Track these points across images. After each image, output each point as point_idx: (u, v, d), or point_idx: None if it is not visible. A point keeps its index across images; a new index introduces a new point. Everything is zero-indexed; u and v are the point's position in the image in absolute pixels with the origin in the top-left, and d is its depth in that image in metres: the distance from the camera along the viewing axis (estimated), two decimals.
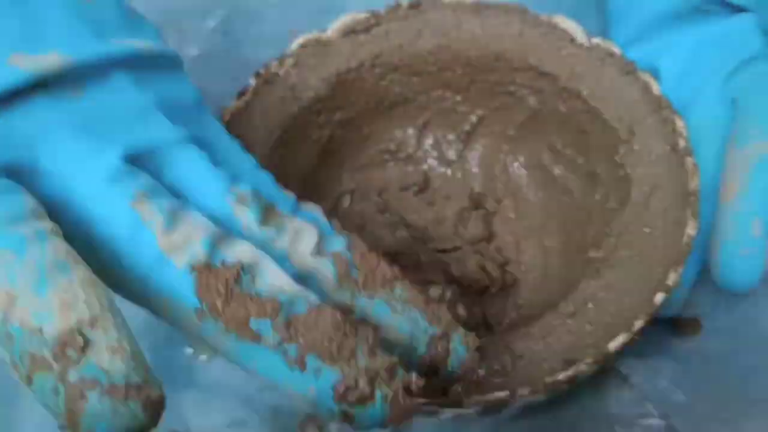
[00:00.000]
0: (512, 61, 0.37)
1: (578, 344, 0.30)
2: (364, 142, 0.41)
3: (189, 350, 0.40)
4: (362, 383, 0.21)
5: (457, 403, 0.29)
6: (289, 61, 0.37)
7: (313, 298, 0.23)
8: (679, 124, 0.34)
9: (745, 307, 0.39)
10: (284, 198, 0.27)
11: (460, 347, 0.24)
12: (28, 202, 0.21)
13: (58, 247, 0.20)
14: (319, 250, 0.25)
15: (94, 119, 0.24)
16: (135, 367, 0.19)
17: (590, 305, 0.31)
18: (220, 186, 0.25)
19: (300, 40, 0.38)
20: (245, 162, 0.28)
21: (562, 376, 0.29)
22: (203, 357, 0.40)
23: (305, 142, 0.38)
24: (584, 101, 0.35)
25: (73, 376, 0.18)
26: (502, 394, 0.29)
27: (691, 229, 0.31)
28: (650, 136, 0.33)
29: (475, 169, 0.41)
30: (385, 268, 0.24)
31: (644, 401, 0.38)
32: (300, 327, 0.21)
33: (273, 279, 0.23)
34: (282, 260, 0.24)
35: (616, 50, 0.36)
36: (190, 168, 0.25)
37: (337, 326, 0.21)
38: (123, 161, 0.23)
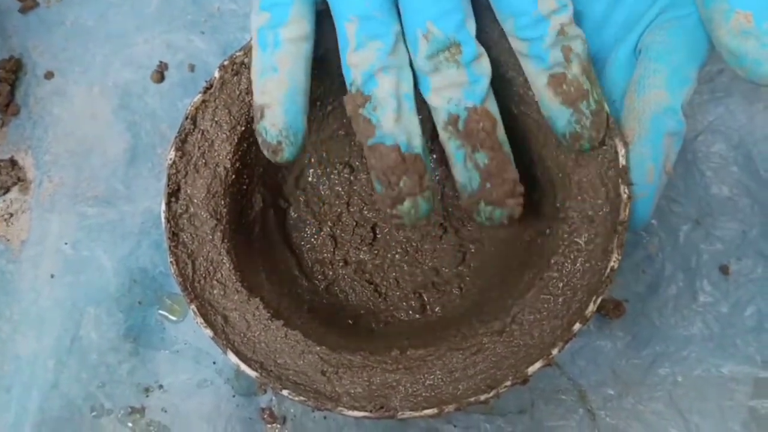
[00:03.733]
0: None
1: (501, 365, 0.34)
2: (327, 118, 0.43)
3: (161, 312, 0.44)
4: None
5: (392, 417, 0.33)
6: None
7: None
8: (621, 151, 0.35)
9: (665, 297, 0.43)
10: (467, 51, 0.33)
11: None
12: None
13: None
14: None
15: None
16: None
17: (515, 326, 0.35)
18: (426, 17, 0.32)
19: None
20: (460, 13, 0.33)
21: (483, 396, 0.33)
22: (173, 318, 0.44)
23: None
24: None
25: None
26: (430, 411, 0.33)
27: (614, 262, 0.34)
28: (590, 164, 0.35)
29: None
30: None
31: (563, 377, 0.43)
32: None
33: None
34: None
35: None
36: None
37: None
38: None
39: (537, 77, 0.33)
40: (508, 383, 0.34)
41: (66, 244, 0.45)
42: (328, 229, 0.43)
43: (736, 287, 0.44)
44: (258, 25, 0.33)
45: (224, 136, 0.37)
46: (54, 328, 0.44)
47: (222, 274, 0.36)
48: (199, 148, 0.37)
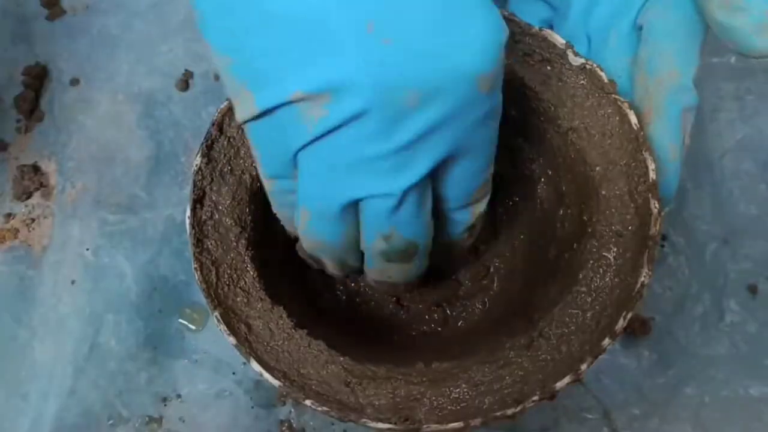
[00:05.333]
0: None
1: (529, 379, 0.33)
2: None
3: (181, 321, 0.44)
4: None
5: (417, 429, 0.33)
6: None
7: None
8: (651, 165, 0.35)
9: (691, 316, 0.43)
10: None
11: None
12: None
13: None
14: None
15: None
16: None
17: (542, 341, 0.34)
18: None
19: None
20: None
21: (510, 411, 0.33)
22: (193, 327, 0.44)
23: None
24: (570, 133, 0.36)
25: None
26: (456, 424, 0.33)
27: (645, 277, 0.34)
28: (619, 179, 0.35)
29: None
30: None
31: (588, 395, 0.42)
32: None
33: None
34: None
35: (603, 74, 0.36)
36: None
37: None
38: None
39: (439, 240, 0.33)
40: (536, 398, 0.33)
41: (87, 250, 0.45)
42: None
43: (764, 306, 0.43)
44: (267, 189, 0.32)
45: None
46: (73, 334, 0.43)
47: (246, 282, 0.36)
48: (225, 155, 0.37)
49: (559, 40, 0.35)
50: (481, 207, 0.32)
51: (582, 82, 0.35)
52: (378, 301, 0.42)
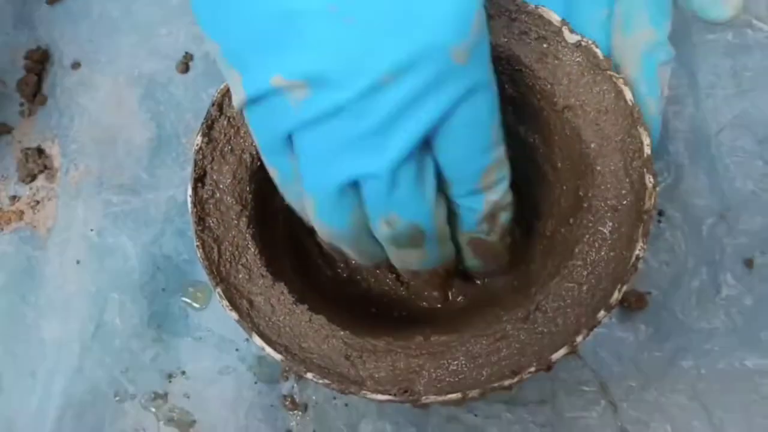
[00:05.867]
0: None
1: (525, 351, 0.34)
2: None
3: (184, 300, 0.44)
4: None
5: (416, 401, 0.33)
6: None
7: None
8: (646, 140, 0.35)
9: (688, 290, 0.43)
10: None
11: None
12: None
13: None
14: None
15: None
16: None
17: (539, 314, 0.35)
18: None
19: None
20: None
21: (507, 382, 0.33)
22: (197, 305, 0.44)
23: None
24: (565, 111, 0.36)
25: None
26: (454, 396, 0.33)
27: (639, 251, 0.34)
28: (614, 154, 0.35)
29: None
30: None
31: (585, 369, 0.43)
32: None
33: None
34: None
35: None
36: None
37: None
38: None
39: (459, 233, 0.34)
40: (532, 369, 0.33)
41: (92, 230, 0.46)
42: None
43: (760, 280, 0.43)
44: (272, 176, 0.33)
45: None
46: (79, 313, 0.44)
47: (247, 259, 0.36)
48: (225, 134, 0.37)
49: (555, 17, 0.35)
50: (495, 195, 0.32)
51: (578, 59, 0.36)
52: (379, 278, 0.43)
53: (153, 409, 0.43)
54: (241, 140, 0.37)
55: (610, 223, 0.35)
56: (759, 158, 0.46)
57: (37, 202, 0.47)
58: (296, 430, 0.42)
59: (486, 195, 0.32)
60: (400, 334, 0.36)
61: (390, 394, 0.34)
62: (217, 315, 0.44)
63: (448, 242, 0.34)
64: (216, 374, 0.43)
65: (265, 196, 0.40)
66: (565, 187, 0.39)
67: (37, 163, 0.48)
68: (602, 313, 0.34)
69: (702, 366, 0.42)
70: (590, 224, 0.35)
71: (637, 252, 0.34)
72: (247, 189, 0.37)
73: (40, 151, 0.48)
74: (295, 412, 0.42)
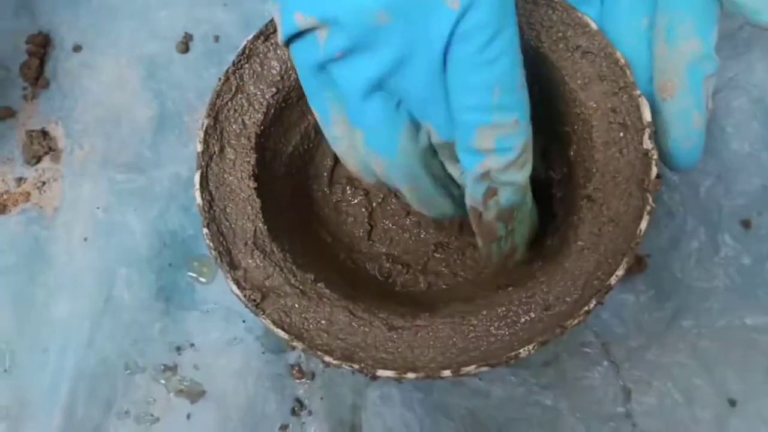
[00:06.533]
0: None
1: (548, 325, 0.34)
2: None
3: (190, 274, 0.45)
4: None
5: (432, 377, 0.34)
6: None
7: None
8: (644, 104, 0.35)
9: (687, 251, 0.44)
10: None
11: None
12: None
13: None
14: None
15: None
16: None
17: (543, 286, 0.35)
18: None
19: None
20: None
21: (523, 352, 0.33)
22: (203, 280, 0.45)
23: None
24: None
25: None
26: (470, 368, 0.33)
27: (643, 224, 0.34)
28: (614, 123, 0.36)
29: None
30: None
31: (588, 331, 0.43)
32: None
33: None
34: None
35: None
36: None
37: None
38: None
39: (467, 197, 0.35)
40: (550, 337, 0.33)
41: (98, 208, 0.46)
42: (367, 203, 0.44)
43: (757, 240, 0.44)
44: (315, 118, 0.35)
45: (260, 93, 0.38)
46: (88, 289, 0.45)
47: (254, 235, 0.37)
48: (235, 111, 0.38)
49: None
50: (492, 163, 0.32)
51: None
52: (380, 264, 0.43)
53: (163, 381, 0.43)
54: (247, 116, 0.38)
55: (615, 195, 0.35)
56: (755, 119, 0.46)
57: (43, 183, 0.48)
58: (304, 397, 0.43)
59: (485, 161, 0.32)
60: (406, 310, 0.36)
61: (395, 370, 0.34)
62: (224, 288, 0.44)
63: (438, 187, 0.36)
64: (224, 345, 0.44)
65: (272, 169, 0.40)
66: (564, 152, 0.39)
67: (41, 145, 0.48)
68: (614, 278, 0.34)
69: (702, 325, 0.43)
70: (595, 197, 0.36)
71: (642, 221, 0.34)
72: (256, 144, 0.38)
73: (44, 133, 0.49)
74: (303, 380, 0.43)
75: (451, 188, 0.36)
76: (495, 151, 0.31)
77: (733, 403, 0.41)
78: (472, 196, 0.34)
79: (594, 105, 0.37)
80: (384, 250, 0.43)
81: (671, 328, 0.43)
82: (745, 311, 0.43)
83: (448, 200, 0.36)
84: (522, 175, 0.33)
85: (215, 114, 0.38)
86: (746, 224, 0.44)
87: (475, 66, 0.30)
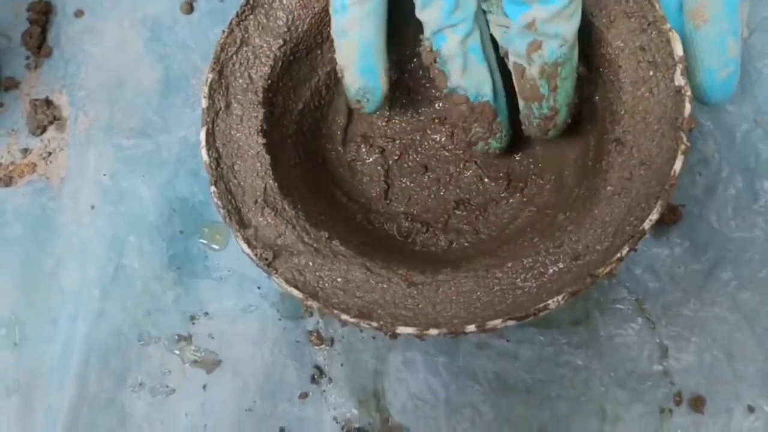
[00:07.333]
0: None
1: (578, 275, 0.32)
2: None
3: (202, 241, 0.43)
4: None
5: (456, 333, 0.31)
6: None
7: None
8: (675, 37, 0.33)
9: (723, 200, 0.41)
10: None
11: None
12: None
13: None
14: None
15: None
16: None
17: (572, 235, 0.33)
18: None
19: None
20: None
21: (552, 303, 0.31)
22: (215, 246, 0.43)
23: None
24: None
25: None
26: (496, 322, 0.31)
27: (678, 165, 0.32)
28: (643, 60, 0.33)
29: None
30: None
31: (620, 287, 0.41)
32: None
33: None
34: None
35: None
36: None
37: None
38: None
39: (510, 54, 0.33)
40: (578, 287, 0.31)
41: (104, 175, 0.45)
42: (383, 161, 0.42)
43: None
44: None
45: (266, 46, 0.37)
46: (97, 258, 0.43)
47: (263, 191, 0.35)
48: (240, 65, 0.37)
49: None
50: (541, 12, 0.30)
51: None
52: (398, 222, 0.41)
53: (177, 352, 0.42)
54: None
55: (646, 136, 0.33)
56: None
57: (49, 153, 0.46)
58: (324, 364, 0.41)
59: (528, 7, 0.30)
60: (429, 267, 0.35)
61: (417, 326, 0.32)
62: (237, 254, 0.42)
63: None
64: (239, 313, 0.42)
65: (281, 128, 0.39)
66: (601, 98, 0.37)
67: (46, 114, 0.47)
68: (647, 222, 0.31)
69: (742, 276, 0.40)
70: (624, 139, 0.34)
71: (676, 163, 0.32)
72: (263, 97, 0.36)
73: (48, 102, 0.47)
74: (322, 346, 0.41)
75: (494, 75, 0.35)
76: (541, 0, 0.30)
77: None
78: (516, 49, 0.32)
79: (621, 44, 0.34)
80: (402, 209, 0.41)
81: (709, 281, 0.40)
82: None
83: (489, 76, 0.35)
84: (569, 28, 0.31)
85: (220, 68, 0.36)
86: None
87: None
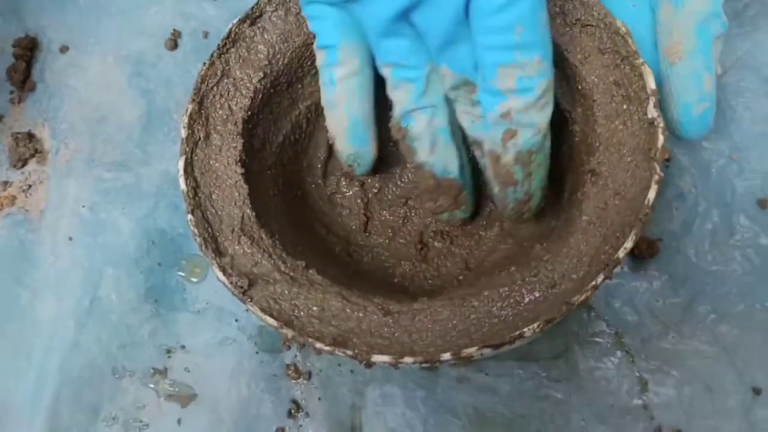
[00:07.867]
0: None
1: (554, 303, 0.32)
2: None
3: (180, 274, 0.43)
4: None
5: (431, 361, 0.31)
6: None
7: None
8: (647, 70, 0.34)
9: (700, 234, 0.41)
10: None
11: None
12: None
13: None
14: None
15: None
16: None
17: (547, 265, 0.33)
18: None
19: None
20: None
21: (528, 331, 0.31)
22: (194, 279, 0.43)
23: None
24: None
25: None
26: (472, 350, 0.31)
27: (651, 194, 0.32)
28: (618, 95, 0.34)
29: None
30: None
31: (599, 320, 0.41)
32: None
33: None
34: None
35: None
36: None
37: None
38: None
39: (486, 142, 0.34)
40: (553, 314, 0.31)
41: (83, 207, 0.45)
42: (362, 194, 0.42)
43: None
44: (318, 63, 0.35)
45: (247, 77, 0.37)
46: (73, 289, 0.43)
47: (240, 220, 0.35)
48: (221, 97, 0.37)
49: None
50: (515, 103, 0.31)
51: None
52: (377, 254, 0.41)
53: (152, 385, 0.41)
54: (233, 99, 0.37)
55: (621, 165, 0.33)
56: (765, 97, 0.44)
57: (29, 186, 0.46)
58: (301, 398, 0.41)
59: (507, 101, 0.31)
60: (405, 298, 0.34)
61: (392, 355, 0.31)
62: (215, 287, 0.43)
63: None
64: (216, 346, 0.42)
65: (261, 146, 0.39)
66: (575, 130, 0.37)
67: (27, 147, 0.47)
68: (622, 251, 0.31)
69: (720, 309, 0.40)
70: (600, 170, 0.34)
71: (649, 194, 0.32)
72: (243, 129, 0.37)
73: (30, 136, 0.47)
74: (299, 380, 0.41)
75: (461, 151, 0.36)
76: (516, 92, 0.31)
77: (758, 391, 0.39)
78: (491, 138, 0.33)
79: (595, 79, 0.35)
80: (381, 241, 0.41)
81: (687, 315, 0.40)
82: (765, 294, 0.40)
83: (456, 155, 0.36)
84: (542, 117, 0.32)
85: (200, 99, 0.37)
86: (762, 204, 0.42)
87: (499, 4, 0.29)
